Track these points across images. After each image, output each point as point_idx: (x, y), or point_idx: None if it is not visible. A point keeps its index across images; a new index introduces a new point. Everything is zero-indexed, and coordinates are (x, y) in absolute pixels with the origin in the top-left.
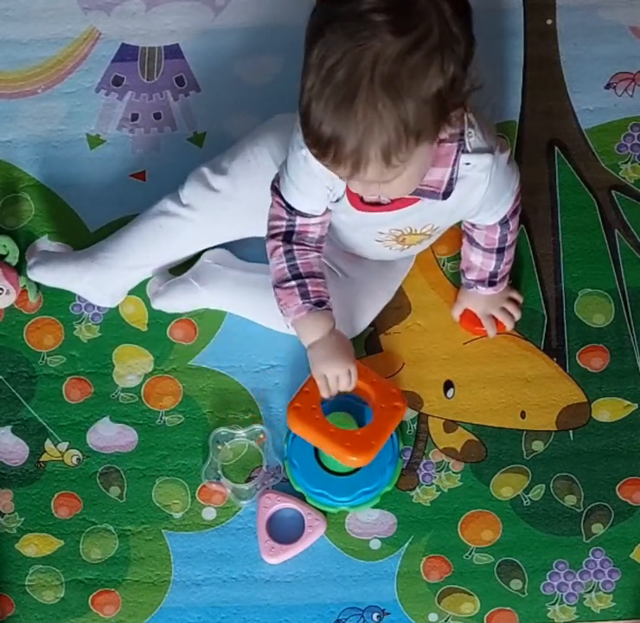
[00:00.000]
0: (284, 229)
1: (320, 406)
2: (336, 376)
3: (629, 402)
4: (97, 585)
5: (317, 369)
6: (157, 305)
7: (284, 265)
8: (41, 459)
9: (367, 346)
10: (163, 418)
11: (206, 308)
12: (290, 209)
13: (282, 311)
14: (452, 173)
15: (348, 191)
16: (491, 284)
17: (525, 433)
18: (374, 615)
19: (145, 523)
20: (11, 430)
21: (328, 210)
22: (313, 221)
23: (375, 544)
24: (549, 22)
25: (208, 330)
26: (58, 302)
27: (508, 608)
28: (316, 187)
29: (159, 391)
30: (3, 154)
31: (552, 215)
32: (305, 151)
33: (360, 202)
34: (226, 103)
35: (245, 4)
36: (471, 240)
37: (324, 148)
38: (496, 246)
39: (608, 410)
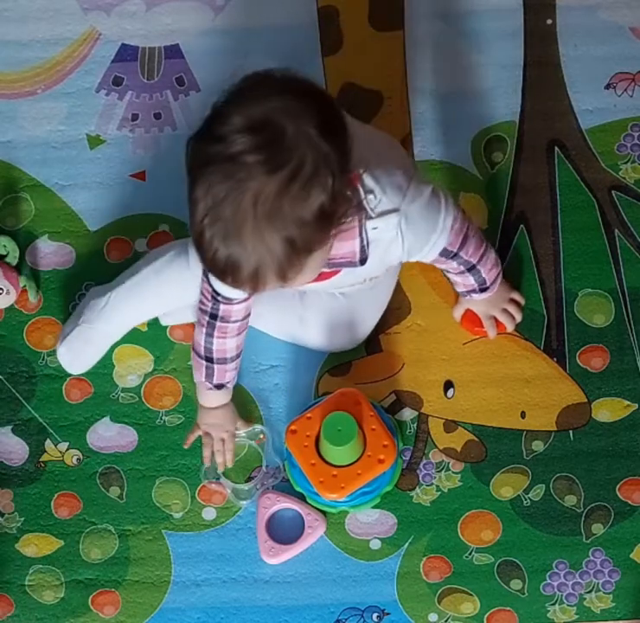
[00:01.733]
0: (209, 310)
1: (315, 436)
2: (220, 439)
3: (629, 402)
4: (97, 585)
5: (205, 429)
6: (166, 322)
7: (202, 342)
8: (41, 459)
9: (367, 346)
10: (163, 418)
11: None
12: (216, 294)
13: (192, 366)
14: (362, 241)
15: None
16: (483, 290)
17: (525, 433)
18: (374, 615)
19: (145, 523)
20: (11, 430)
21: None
22: (236, 307)
23: (375, 544)
24: (549, 22)
25: None
26: (58, 302)
27: (508, 608)
28: None
29: (159, 391)
30: (3, 154)
31: (552, 215)
32: None
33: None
34: None
35: (245, 4)
36: (439, 267)
37: (222, 273)
38: (463, 269)
39: (608, 410)
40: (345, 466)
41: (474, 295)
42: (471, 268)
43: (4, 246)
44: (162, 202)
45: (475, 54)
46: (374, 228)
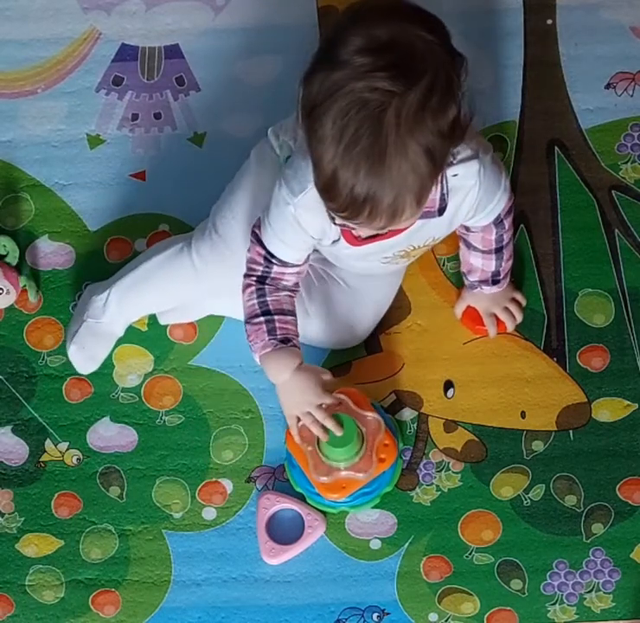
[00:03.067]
0: (259, 273)
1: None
2: (307, 413)
3: (629, 402)
4: (97, 585)
5: (287, 410)
6: (165, 320)
7: (255, 301)
8: (41, 459)
9: (367, 346)
10: (163, 418)
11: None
12: (270, 257)
13: (251, 348)
14: (442, 189)
15: (343, 232)
16: (495, 282)
17: (525, 433)
18: (374, 615)
19: (145, 523)
20: (11, 430)
21: (307, 260)
22: (290, 270)
23: (375, 544)
24: (549, 22)
25: (208, 330)
26: (58, 302)
27: (508, 608)
28: (301, 241)
29: (159, 391)
30: (3, 154)
31: (552, 215)
32: (293, 208)
33: (356, 239)
34: (226, 103)
35: (245, 4)
36: (468, 245)
37: (358, 209)
38: (494, 246)
39: (608, 410)
40: None
41: (485, 287)
42: (499, 250)
43: (4, 246)
44: (162, 202)
45: (475, 54)
46: (455, 175)
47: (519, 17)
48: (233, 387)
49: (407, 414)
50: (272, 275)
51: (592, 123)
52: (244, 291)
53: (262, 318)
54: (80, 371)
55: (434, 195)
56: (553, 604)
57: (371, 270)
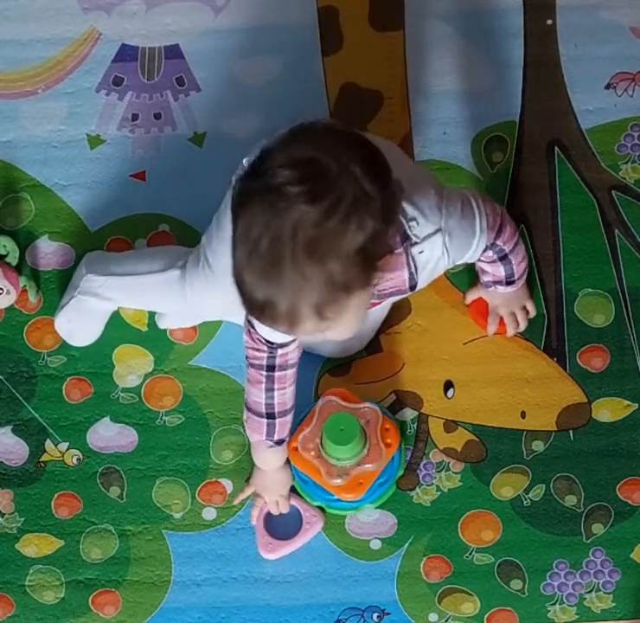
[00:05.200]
0: (265, 362)
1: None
2: (275, 501)
3: (629, 402)
4: (97, 585)
5: (257, 488)
6: (164, 324)
7: (262, 400)
8: (41, 459)
9: (367, 346)
10: (164, 418)
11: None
12: (269, 343)
13: (246, 428)
14: (410, 269)
15: None
16: (509, 283)
17: (525, 433)
18: (375, 615)
19: (145, 523)
20: (11, 430)
21: None
22: (291, 347)
23: (376, 544)
24: (549, 22)
25: (207, 330)
26: (58, 302)
27: (508, 608)
28: None
29: (159, 391)
30: (3, 154)
31: (552, 215)
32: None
33: None
34: (226, 103)
35: (245, 4)
36: None
37: (259, 312)
38: (496, 257)
39: (608, 410)
40: None
41: (499, 287)
42: (504, 257)
43: (4, 246)
44: (162, 202)
45: (475, 54)
46: (421, 253)
47: (519, 17)
48: (233, 387)
49: (407, 414)
50: (278, 362)
51: (592, 123)
52: (253, 384)
53: (265, 420)
54: (70, 343)
55: (402, 276)
56: (553, 604)
57: None
